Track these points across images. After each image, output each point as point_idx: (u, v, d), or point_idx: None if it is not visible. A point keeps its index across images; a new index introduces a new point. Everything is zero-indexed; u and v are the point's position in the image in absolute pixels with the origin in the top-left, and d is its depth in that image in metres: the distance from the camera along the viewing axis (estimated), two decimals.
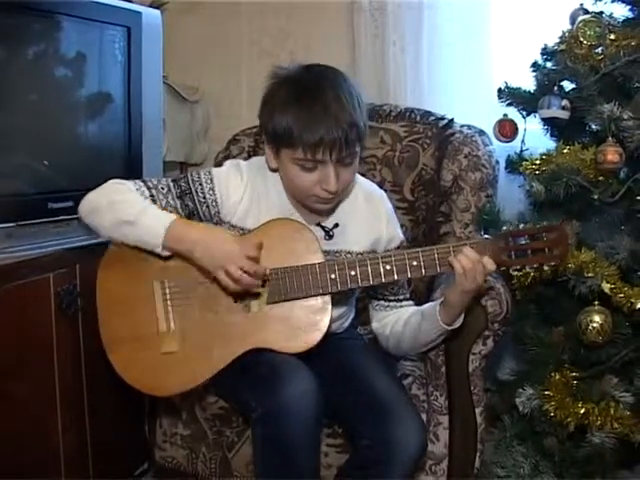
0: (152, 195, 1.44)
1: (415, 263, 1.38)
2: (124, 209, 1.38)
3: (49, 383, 1.56)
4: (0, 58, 1.51)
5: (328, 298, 1.41)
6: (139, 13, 1.78)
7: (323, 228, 1.50)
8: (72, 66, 1.68)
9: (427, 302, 1.53)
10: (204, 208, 1.46)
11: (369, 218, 1.53)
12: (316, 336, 1.39)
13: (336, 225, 1.50)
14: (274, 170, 1.47)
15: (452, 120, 1.94)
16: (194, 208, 1.46)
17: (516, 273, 1.43)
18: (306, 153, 1.34)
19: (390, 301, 1.57)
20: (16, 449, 1.48)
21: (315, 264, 1.39)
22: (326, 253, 1.45)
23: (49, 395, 1.57)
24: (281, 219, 1.44)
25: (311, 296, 1.40)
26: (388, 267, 1.39)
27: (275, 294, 1.40)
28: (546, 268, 1.40)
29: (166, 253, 1.39)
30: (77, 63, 1.68)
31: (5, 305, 1.45)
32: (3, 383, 1.45)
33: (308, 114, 1.33)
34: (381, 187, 1.65)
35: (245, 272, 1.33)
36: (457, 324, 1.44)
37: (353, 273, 1.39)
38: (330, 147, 1.33)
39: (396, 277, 1.40)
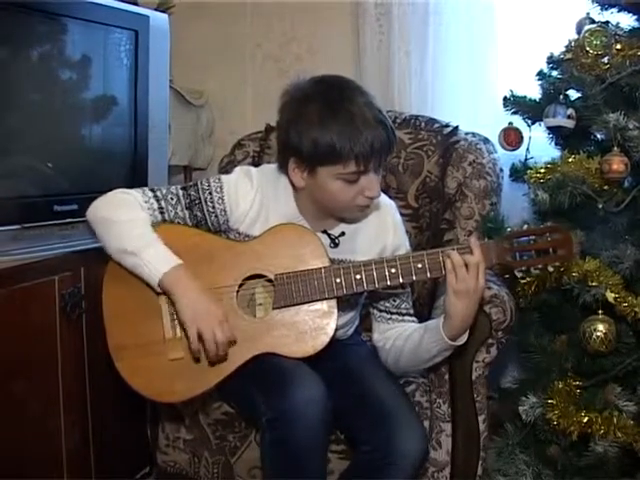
0: (161, 207, 1.43)
1: (420, 266, 1.38)
2: (127, 238, 1.37)
3: (52, 385, 1.57)
4: (7, 60, 1.51)
5: (334, 302, 1.41)
6: (147, 17, 1.79)
7: (329, 236, 1.49)
8: (79, 69, 1.68)
9: (430, 311, 1.53)
10: (212, 218, 1.46)
11: (377, 228, 1.52)
12: (323, 340, 1.39)
13: (342, 234, 1.50)
14: (300, 190, 1.44)
15: (457, 127, 1.94)
16: (202, 218, 1.46)
17: (521, 274, 1.43)
18: (359, 164, 1.33)
19: (392, 314, 1.55)
20: (19, 450, 1.49)
21: (320, 268, 1.39)
22: (330, 261, 1.43)
23: (52, 397, 1.57)
24: (286, 224, 1.44)
25: (317, 300, 1.39)
26: (393, 270, 1.39)
27: (281, 299, 1.40)
28: (551, 269, 1.40)
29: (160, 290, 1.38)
30: (84, 66, 1.69)
31: (10, 307, 1.46)
32: (7, 384, 1.45)
33: (351, 126, 1.31)
34: (384, 194, 1.64)
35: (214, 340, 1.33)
36: (460, 341, 1.41)
37: (358, 277, 1.39)
38: (379, 152, 1.34)
39: (401, 280, 1.39)
